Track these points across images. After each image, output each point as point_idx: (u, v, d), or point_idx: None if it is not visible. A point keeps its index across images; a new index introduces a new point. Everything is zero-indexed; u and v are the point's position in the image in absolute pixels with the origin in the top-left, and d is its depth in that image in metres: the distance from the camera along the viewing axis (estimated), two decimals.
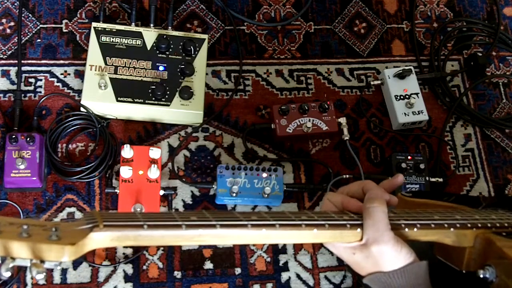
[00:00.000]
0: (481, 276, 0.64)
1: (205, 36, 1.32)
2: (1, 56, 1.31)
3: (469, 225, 0.67)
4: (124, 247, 1.16)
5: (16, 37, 1.32)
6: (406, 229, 0.65)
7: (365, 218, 0.65)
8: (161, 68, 1.27)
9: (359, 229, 0.64)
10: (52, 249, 0.47)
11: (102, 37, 1.27)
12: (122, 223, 0.52)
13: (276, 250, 1.19)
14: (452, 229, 0.66)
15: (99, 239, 0.51)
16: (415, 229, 0.64)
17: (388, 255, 0.65)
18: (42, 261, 0.48)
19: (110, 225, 0.51)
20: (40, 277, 0.48)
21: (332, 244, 0.69)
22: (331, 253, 1.17)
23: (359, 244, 0.66)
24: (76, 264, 1.14)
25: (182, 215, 0.54)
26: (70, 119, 1.24)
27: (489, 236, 0.67)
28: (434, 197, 0.82)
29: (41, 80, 1.29)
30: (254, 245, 1.19)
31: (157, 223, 0.52)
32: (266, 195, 1.19)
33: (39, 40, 1.33)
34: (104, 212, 0.54)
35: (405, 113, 1.31)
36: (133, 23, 1.31)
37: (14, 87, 1.27)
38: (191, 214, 0.56)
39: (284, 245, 1.19)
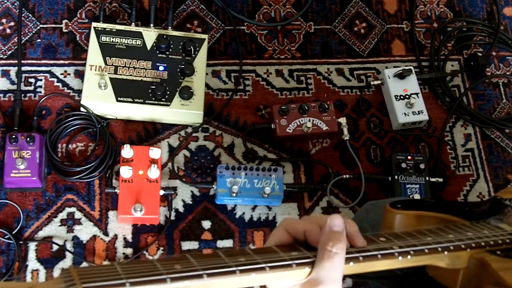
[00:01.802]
0: None
1: (205, 36, 1.32)
2: (1, 56, 1.31)
3: (463, 246, 0.65)
4: (124, 246, 1.16)
5: (16, 37, 1.32)
6: (400, 258, 0.61)
7: (322, 259, 0.55)
8: (161, 68, 1.27)
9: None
10: None
11: (102, 37, 1.27)
12: (102, 284, 0.47)
13: None
14: (446, 252, 0.64)
15: None
16: (409, 257, 0.62)
17: None
18: None
19: (89, 286, 0.47)
20: None
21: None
22: None
23: (301, 281, 0.57)
24: (76, 264, 1.14)
25: (165, 265, 0.51)
26: (70, 119, 1.24)
27: (483, 256, 0.65)
28: (425, 207, 0.79)
29: (41, 80, 1.29)
30: (254, 244, 1.19)
31: (140, 279, 0.48)
32: (266, 195, 1.19)
33: (39, 40, 1.33)
34: (81, 270, 0.49)
35: (405, 113, 1.31)
36: (133, 23, 1.31)
37: (14, 87, 1.27)
38: (174, 261, 0.52)
39: None
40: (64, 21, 1.36)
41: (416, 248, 0.62)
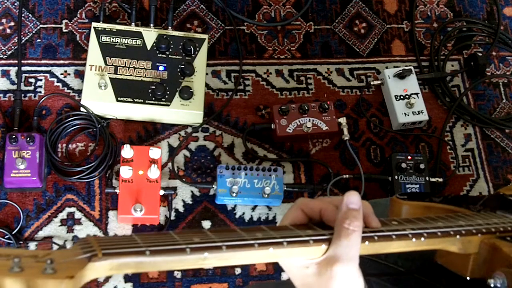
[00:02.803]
0: (492, 285, 0.62)
1: (205, 36, 1.32)
2: (1, 56, 1.31)
3: (474, 231, 0.66)
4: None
5: (16, 37, 1.32)
6: (414, 239, 0.62)
7: (339, 237, 0.55)
8: (161, 68, 1.27)
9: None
10: (49, 284, 0.42)
11: (102, 37, 1.27)
12: (122, 250, 0.47)
13: None
14: (458, 236, 0.64)
15: (98, 269, 0.46)
16: (422, 239, 0.62)
17: (346, 279, 0.57)
18: None
19: (109, 253, 0.46)
20: None
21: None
22: None
23: (318, 259, 0.57)
24: None
25: (183, 237, 0.51)
26: (70, 119, 1.24)
27: (494, 241, 0.66)
28: (430, 198, 0.80)
29: (41, 80, 1.29)
30: None
31: (159, 248, 0.48)
32: (266, 195, 1.19)
33: (39, 40, 1.33)
34: (100, 238, 0.49)
35: (405, 113, 1.31)
36: (133, 23, 1.31)
37: (14, 87, 1.27)
38: (192, 235, 0.52)
39: None
40: (64, 21, 1.36)
41: (429, 230, 0.62)
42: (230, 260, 0.52)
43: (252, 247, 0.52)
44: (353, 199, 0.56)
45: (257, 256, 0.53)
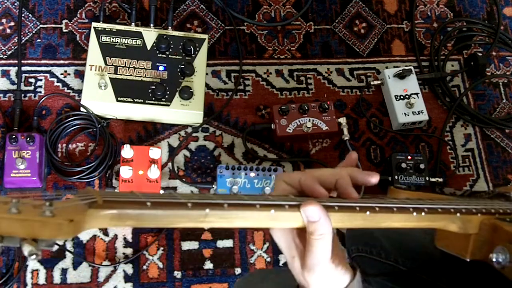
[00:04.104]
0: (494, 260, 0.62)
1: (205, 36, 1.32)
2: (1, 56, 1.31)
3: (474, 210, 0.66)
4: (124, 246, 1.16)
5: (16, 37, 1.32)
6: (414, 213, 0.62)
7: (307, 247, 0.57)
8: (161, 68, 1.27)
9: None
10: (47, 225, 0.41)
11: (102, 37, 1.27)
12: (123, 199, 0.47)
13: (276, 250, 1.19)
14: (458, 214, 0.65)
15: (98, 217, 0.46)
16: (423, 213, 0.62)
17: (322, 283, 0.59)
18: (35, 240, 0.42)
19: (110, 200, 0.46)
20: (33, 257, 0.41)
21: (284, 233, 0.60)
22: None
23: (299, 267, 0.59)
24: (76, 264, 1.14)
25: (185, 196, 0.51)
26: (70, 119, 1.24)
27: (494, 222, 0.66)
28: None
29: (41, 80, 1.29)
30: (254, 244, 1.19)
31: (161, 200, 0.48)
32: None
33: (39, 40, 1.33)
34: (101, 190, 0.49)
35: (405, 113, 1.31)
36: (133, 23, 1.31)
37: (14, 87, 1.27)
38: (193, 195, 0.52)
39: None
40: (64, 21, 1.36)
41: (429, 206, 0.63)
42: (231, 220, 0.52)
43: (254, 208, 0.52)
44: (309, 212, 0.56)
45: (258, 218, 0.53)
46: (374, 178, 0.64)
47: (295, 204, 0.55)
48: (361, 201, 0.60)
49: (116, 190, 1.17)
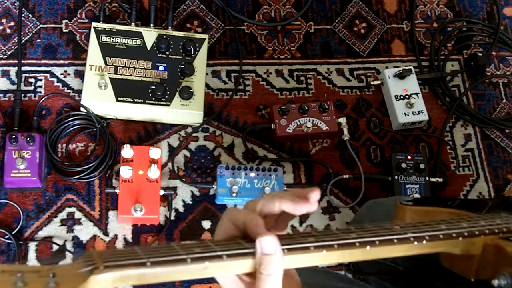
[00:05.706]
0: (496, 285, 0.62)
1: (205, 36, 1.32)
2: (1, 56, 1.31)
3: (476, 232, 0.66)
4: (124, 246, 1.16)
5: (16, 37, 1.32)
6: (415, 242, 0.62)
7: (257, 282, 0.54)
8: (161, 68, 1.27)
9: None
10: None
11: (102, 37, 1.27)
12: (123, 262, 0.48)
13: None
14: (460, 238, 0.65)
15: (101, 282, 0.48)
16: (424, 242, 0.63)
17: None
18: None
19: (111, 265, 0.48)
20: None
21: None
22: None
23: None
24: None
25: (184, 248, 0.52)
26: (70, 119, 1.24)
27: (497, 242, 0.66)
28: (436, 203, 0.80)
29: (41, 80, 1.29)
30: None
31: (160, 259, 0.50)
32: (266, 195, 1.19)
33: (39, 40, 1.33)
34: (102, 251, 0.50)
35: (405, 113, 1.31)
36: (133, 23, 1.31)
37: (14, 87, 1.27)
38: (194, 245, 0.53)
39: None
40: (64, 21, 1.36)
41: (430, 233, 0.63)
42: (231, 269, 0.53)
43: (252, 256, 0.53)
44: (266, 243, 0.53)
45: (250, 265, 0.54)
46: (305, 206, 0.61)
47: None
48: (360, 235, 0.59)
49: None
